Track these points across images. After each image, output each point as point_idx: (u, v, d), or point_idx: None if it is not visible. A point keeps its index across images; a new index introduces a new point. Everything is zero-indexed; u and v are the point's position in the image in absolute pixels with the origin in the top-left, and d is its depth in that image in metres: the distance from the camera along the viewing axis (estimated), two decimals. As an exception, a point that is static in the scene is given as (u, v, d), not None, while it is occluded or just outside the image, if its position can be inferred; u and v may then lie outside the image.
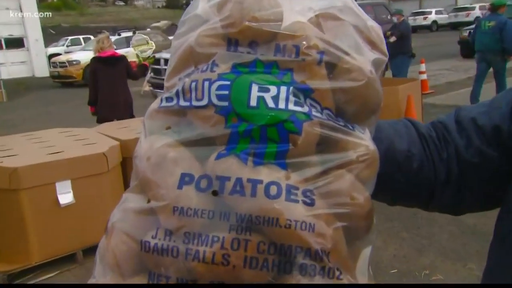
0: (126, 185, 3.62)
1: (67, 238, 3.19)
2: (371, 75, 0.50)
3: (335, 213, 0.45)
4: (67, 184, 3.18)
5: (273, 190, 0.43)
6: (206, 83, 0.47)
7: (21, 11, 18.76)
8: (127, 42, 16.28)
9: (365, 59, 0.50)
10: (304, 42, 0.47)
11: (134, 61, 16.54)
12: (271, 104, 0.45)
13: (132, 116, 5.17)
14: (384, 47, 0.54)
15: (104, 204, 3.32)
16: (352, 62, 0.49)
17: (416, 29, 26.94)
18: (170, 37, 18.91)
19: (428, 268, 2.89)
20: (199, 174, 0.45)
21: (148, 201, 0.47)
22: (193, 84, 0.48)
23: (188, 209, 0.44)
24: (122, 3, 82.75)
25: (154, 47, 18.61)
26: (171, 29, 30.05)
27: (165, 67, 6.56)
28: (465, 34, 13.44)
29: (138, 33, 17.18)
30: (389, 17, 7.85)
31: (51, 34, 34.74)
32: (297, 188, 0.44)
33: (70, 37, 25.66)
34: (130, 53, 17.10)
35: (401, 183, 0.65)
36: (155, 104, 0.51)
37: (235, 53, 0.48)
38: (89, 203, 3.25)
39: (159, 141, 0.48)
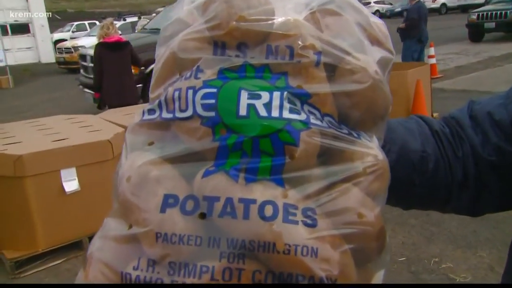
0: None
1: (73, 225, 3.18)
2: (376, 76, 0.45)
3: (341, 234, 0.39)
4: (72, 171, 3.16)
5: (269, 210, 0.38)
6: (190, 92, 0.42)
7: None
8: (132, 27, 16.18)
9: (369, 58, 0.45)
10: (299, 42, 0.43)
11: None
12: (263, 112, 0.40)
13: (137, 102, 5.14)
14: (390, 45, 0.49)
15: (109, 191, 3.26)
16: (354, 63, 0.44)
17: (425, 12, 26.49)
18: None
19: (437, 256, 2.85)
20: (184, 195, 0.40)
21: (130, 227, 0.42)
22: (176, 93, 0.43)
23: (173, 235, 0.38)
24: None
25: (159, 32, 18.52)
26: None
27: (91, 64, 6.32)
28: (474, 17, 13.19)
29: (144, 18, 17.07)
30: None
31: (56, 20, 34.65)
32: (296, 207, 0.39)
33: (75, 23, 25.55)
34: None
35: (416, 186, 0.60)
36: (136, 117, 0.46)
37: (222, 57, 0.43)
38: (94, 190, 3.23)
39: (140, 159, 0.43)
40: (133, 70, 5.22)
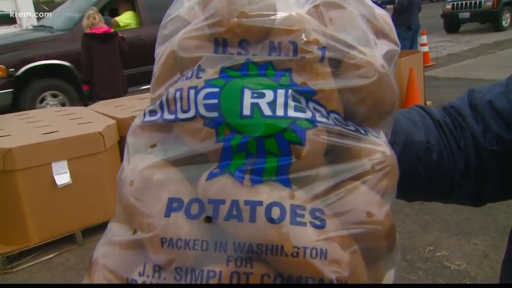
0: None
1: (65, 219, 3.15)
2: (383, 70, 0.43)
3: (350, 234, 0.38)
4: (64, 164, 3.11)
5: (276, 212, 0.37)
6: (192, 92, 0.41)
7: (12, -14, 18.35)
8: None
9: (375, 52, 0.44)
10: (303, 37, 0.41)
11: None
12: (267, 111, 0.39)
13: (126, 94, 5.08)
14: (395, 36, 0.48)
15: (101, 184, 3.27)
16: (360, 57, 0.43)
17: None
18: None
19: (432, 244, 2.86)
20: (189, 198, 0.39)
21: (134, 232, 0.40)
22: (178, 94, 0.41)
23: (178, 240, 0.37)
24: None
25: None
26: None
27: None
28: (449, 6, 12.76)
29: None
30: None
31: (43, 10, 34.07)
32: (303, 208, 0.38)
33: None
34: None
35: (422, 178, 0.60)
36: (137, 119, 0.45)
37: (223, 55, 0.42)
38: (86, 183, 3.20)
39: (143, 162, 0.42)
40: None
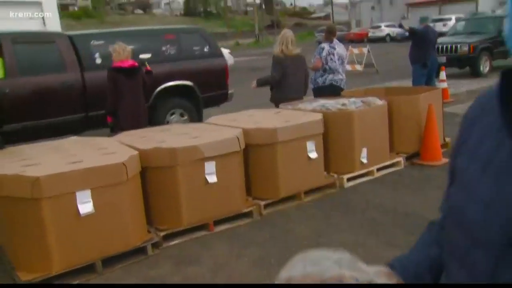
0: (145, 195, 3.66)
1: (86, 248, 3.20)
2: None
3: None
4: (87, 193, 3.20)
5: None
6: None
7: (44, 22, 19.16)
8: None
9: None
10: None
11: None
12: None
13: (147, 125, 5.22)
14: None
15: (122, 214, 3.34)
16: None
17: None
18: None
19: None
20: None
21: None
22: None
23: None
24: (141, 12, 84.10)
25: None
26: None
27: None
28: (465, 48, 11.52)
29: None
30: (207, 49, 7.19)
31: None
32: None
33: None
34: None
35: None
36: None
37: None
38: (108, 213, 3.27)
39: None
40: None
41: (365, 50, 15.18)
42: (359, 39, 33.70)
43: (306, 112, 4.79)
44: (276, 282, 0.66)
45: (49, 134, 5.74)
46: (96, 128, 6.25)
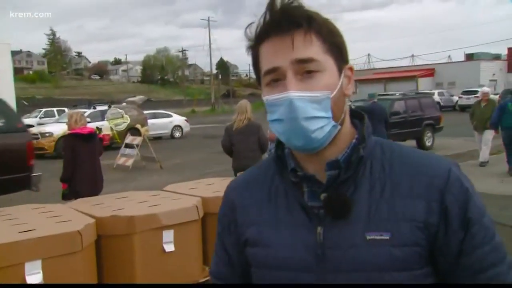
0: (99, 265, 3.53)
1: (32, 323, 3.00)
2: None
3: None
4: (37, 264, 3.05)
5: None
6: None
7: (-4, 84, 18.83)
8: (101, 115, 16.43)
9: None
10: None
11: (108, 134, 16.60)
12: None
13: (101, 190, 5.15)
14: None
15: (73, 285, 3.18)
16: None
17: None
18: (145, 111, 19.22)
19: None
20: None
21: None
22: None
23: None
24: (97, 77, 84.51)
25: (128, 121, 18.85)
26: (146, 103, 30.57)
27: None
28: None
29: (114, 107, 17.42)
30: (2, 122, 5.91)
31: (23, 106, 34.63)
32: None
33: (43, 109, 25.67)
34: (104, 126, 17.15)
35: None
36: None
37: None
38: (59, 283, 3.11)
39: None
40: None
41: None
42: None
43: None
44: None
45: None
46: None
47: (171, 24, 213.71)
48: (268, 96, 0.90)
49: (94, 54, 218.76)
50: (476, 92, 29.29)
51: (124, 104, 20.18)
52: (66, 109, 22.33)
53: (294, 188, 0.97)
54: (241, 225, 1.03)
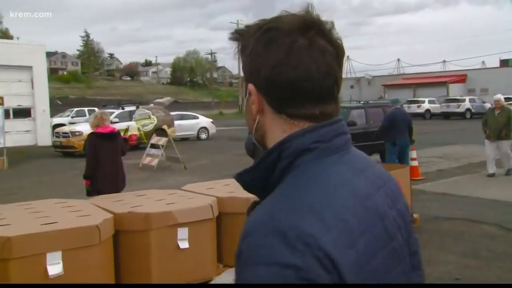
0: (116, 259, 3.68)
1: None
2: None
3: None
4: (58, 255, 3.23)
5: None
6: None
7: (33, 84, 19.56)
8: (130, 115, 16.84)
9: None
10: None
11: (136, 134, 16.92)
12: None
13: (123, 189, 5.32)
14: None
15: (92, 277, 3.34)
16: None
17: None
18: (173, 113, 19.56)
19: None
20: None
21: None
22: None
23: None
24: (128, 78, 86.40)
25: (155, 122, 19.19)
26: (174, 105, 31.10)
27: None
28: None
29: (141, 107, 17.83)
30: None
31: (57, 105, 35.81)
32: None
33: (75, 109, 26.48)
34: (132, 127, 17.51)
35: None
36: None
37: None
38: (77, 275, 3.27)
39: None
40: None
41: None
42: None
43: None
44: None
45: None
46: None
47: (201, 26, 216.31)
48: None
49: (126, 55, 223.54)
50: (510, 99, 28.54)
51: (151, 105, 20.60)
52: (96, 109, 22.99)
53: None
54: None
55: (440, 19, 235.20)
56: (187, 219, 3.91)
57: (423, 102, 31.76)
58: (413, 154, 9.15)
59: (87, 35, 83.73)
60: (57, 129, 16.94)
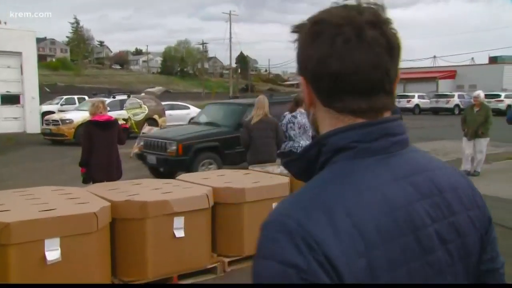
0: (112, 246, 3.73)
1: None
2: None
3: None
4: (56, 241, 3.26)
5: None
6: None
7: (22, 70, 19.30)
8: (121, 105, 16.72)
9: None
10: None
11: (126, 124, 16.91)
12: None
13: (120, 178, 5.34)
14: None
15: (90, 264, 3.39)
16: None
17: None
18: (163, 102, 19.48)
19: None
20: None
21: None
22: None
23: None
24: (118, 67, 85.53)
25: (146, 111, 19.11)
26: (165, 95, 30.93)
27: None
28: (142, 144, 8.90)
29: (133, 97, 17.72)
30: None
31: (46, 92, 35.36)
32: None
33: (65, 96, 26.19)
34: (122, 116, 17.46)
35: None
36: None
37: None
38: (75, 261, 3.32)
39: None
40: None
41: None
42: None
43: (274, 175, 5.05)
44: None
45: None
46: None
47: (193, 16, 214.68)
48: None
49: (116, 44, 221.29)
50: (498, 96, 28.92)
51: (142, 94, 20.50)
52: (86, 97, 22.77)
53: None
54: None
55: (432, 14, 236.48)
56: (183, 208, 3.96)
57: (413, 97, 32.03)
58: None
59: (77, 22, 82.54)
60: (47, 117, 16.76)
